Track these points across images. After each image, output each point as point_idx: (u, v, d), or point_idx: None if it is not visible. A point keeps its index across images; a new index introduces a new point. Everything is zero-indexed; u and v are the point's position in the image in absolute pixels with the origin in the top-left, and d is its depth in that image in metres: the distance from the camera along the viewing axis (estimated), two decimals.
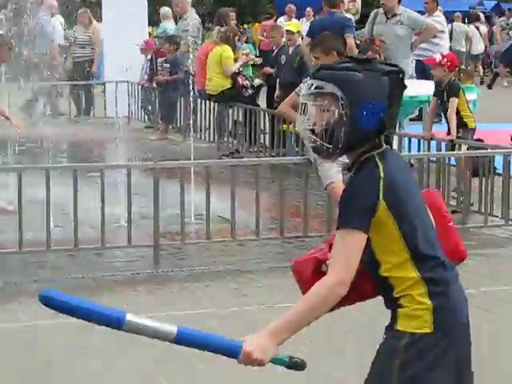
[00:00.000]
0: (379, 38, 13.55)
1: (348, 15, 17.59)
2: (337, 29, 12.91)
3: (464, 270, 8.31)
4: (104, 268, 8.50)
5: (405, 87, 3.50)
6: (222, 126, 16.17)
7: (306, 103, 3.43)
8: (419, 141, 11.57)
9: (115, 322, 3.34)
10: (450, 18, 24.78)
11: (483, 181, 10.10)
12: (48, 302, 3.36)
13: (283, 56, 15.37)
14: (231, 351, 3.37)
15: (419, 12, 16.71)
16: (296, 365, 3.46)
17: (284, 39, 16.20)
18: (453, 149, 10.97)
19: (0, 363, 6.16)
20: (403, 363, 3.36)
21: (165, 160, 11.27)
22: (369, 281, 3.51)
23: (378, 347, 3.49)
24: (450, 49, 18.86)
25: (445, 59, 11.30)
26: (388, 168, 3.36)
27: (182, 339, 3.37)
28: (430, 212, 3.55)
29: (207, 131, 16.81)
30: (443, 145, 11.03)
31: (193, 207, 9.66)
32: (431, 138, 11.27)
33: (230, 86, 15.61)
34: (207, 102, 16.47)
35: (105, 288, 7.93)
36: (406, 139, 11.89)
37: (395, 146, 11.94)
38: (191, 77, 16.32)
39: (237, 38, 15.97)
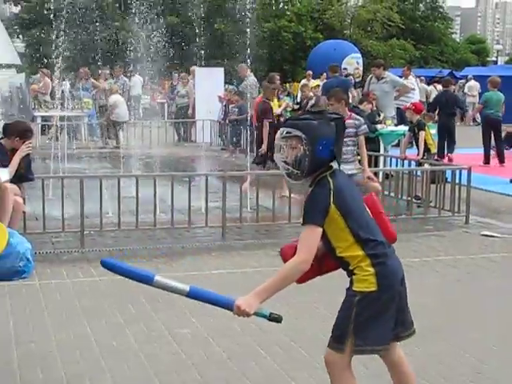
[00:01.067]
0: (372, 92, 13.48)
1: (350, 77, 17.59)
2: (343, 86, 12.84)
3: (424, 245, 8.15)
4: (189, 240, 8.39)
5: (345, 128, 3.50)
6: (270, 149, 16.04)
7: (280, 144, 3.42)
8: (397, 160, 11.37)
9: (149, 280, 3.31)
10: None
11: (438, 187, 9.91)
12: (106, 265, 3.37)
13: (309, 103, 15.31)
14: (227, 305, 3.28)
15: (399, 76, 16.60)
16: (274, 318, 3.34)
17: (311, 93, 16.16)
18: (419, 165, 10.77)
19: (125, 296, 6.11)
20: (358, 312, 3.31)
21: (231, 171, 11.19)
22: (331, 260, 3.46)
23: (342, 302, 3.44)
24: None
25: (412, 106, 11.18)
26: (336, 182, 3.34)
27: (193, 294, 3.30)
28: (369, 209, 3.49)
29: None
30: (413, 163, 10.85)
31: (248, 201, 9.54)
32: (405, 158, 11.10)
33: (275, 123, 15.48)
34: None
35: (189, 253, 7.85)
36: (389, 159, 11.74)
37: (381, 163, 11.79)
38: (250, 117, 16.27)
39: (280, 92, 15.82)
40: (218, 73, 21.14)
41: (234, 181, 9.46)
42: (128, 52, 18.52)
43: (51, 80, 21.23)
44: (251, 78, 17.66)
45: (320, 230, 3.28)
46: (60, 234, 8.29)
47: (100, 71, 21.72)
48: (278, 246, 8.06)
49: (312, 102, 15.36)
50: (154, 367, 4.72)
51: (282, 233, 8.78)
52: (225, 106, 18.68)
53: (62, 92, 16.36)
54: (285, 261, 3.47)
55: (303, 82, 22.57)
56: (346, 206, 3.31)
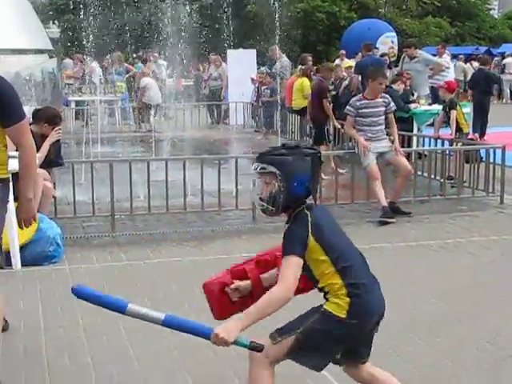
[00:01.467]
0: (406, 71, 13.36)
1: (385, 57, 17.43)
2: (377, 65, 12.75)
3: (458, 226, 8.01)
4: (220, 223, 8.37)
5: (322, 163, 3.38)
6: (302, 130, 15.94)
7: (254, 179, 3.38)
8: (430, 139, 11.20)
9: (121, 309, 3.19)
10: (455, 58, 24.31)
11: (472, 166, 9.76)
12: (78, 293, 3.26)
13: (342, 84, 15.11)
14: (205, 333, 3.12)
15: (433, 55, 16.41)
16: (255, 347, 3.15)
17: (344, 73, 15.97)
18: (452, 145, 10.60)
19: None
20: (315, 321, 3.23)
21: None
22: (305, 282, 3.34)
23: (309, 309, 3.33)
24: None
25: (445, 84, 11.04)
26: (314, 215, 3.24)
27: (168, 323, 3.17)
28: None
29: (293, 133, 16.59)
30: (446, 142, 10.68)
31: None
32: (438, 138, 10.92)
33: (307, 104, 15.31)
34: (293, 114, 16.22)
35: (220, 237, 7.81)
36: (422, 138, 11.57)
37: (414, 143, 11.61)
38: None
39: (312, 73, 15.64)
40: (251, 55, 21.06)
41: None
42: (160, 35, 18.50)
43: (84, 65, 21.38)
44: (284, 60, 17.57)
45: (300, 260, 3.17)
46: (91, 219, 8.32)
47: (146, 54, 21.91)
48: None
49: (346, 82, 15.13)
50: (180, 354, 4.68)
51: None
52: (257, 87, 18.60)
53: (91, 77, 16.40)
54: (209, 296, 3.55)
55: (337, 62, 22.32)
56: (324, 237, 3.22)
